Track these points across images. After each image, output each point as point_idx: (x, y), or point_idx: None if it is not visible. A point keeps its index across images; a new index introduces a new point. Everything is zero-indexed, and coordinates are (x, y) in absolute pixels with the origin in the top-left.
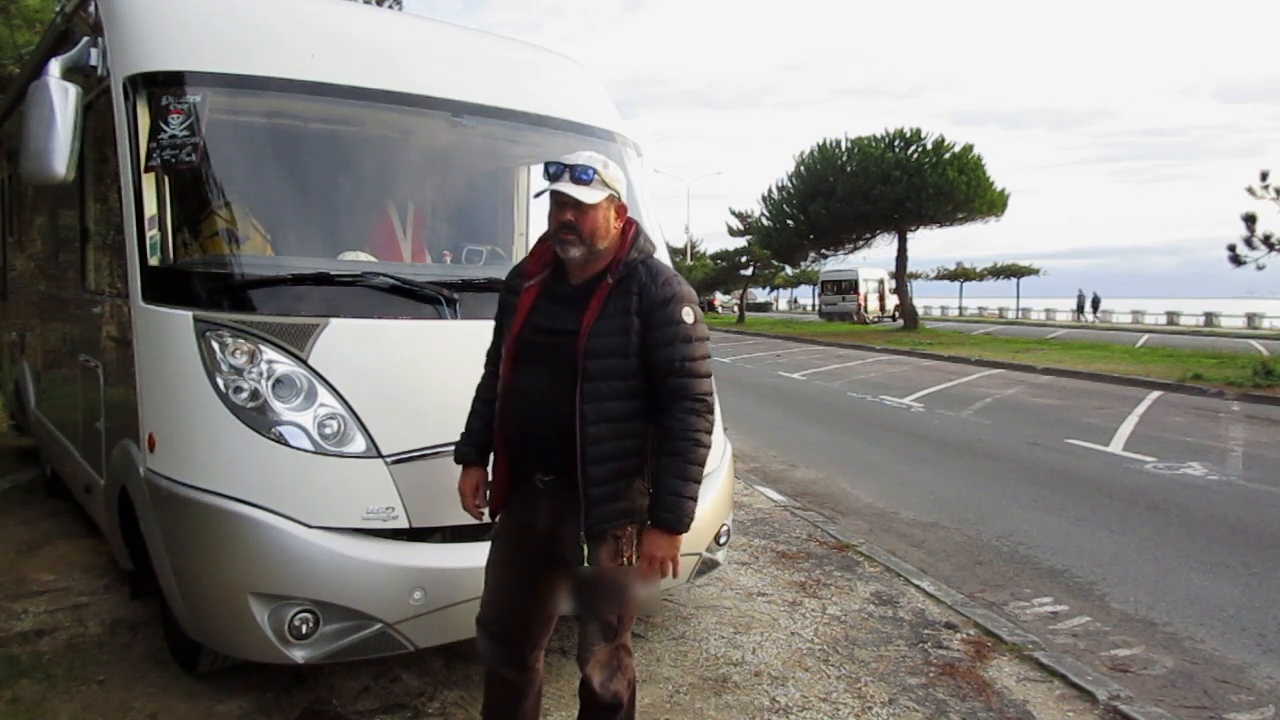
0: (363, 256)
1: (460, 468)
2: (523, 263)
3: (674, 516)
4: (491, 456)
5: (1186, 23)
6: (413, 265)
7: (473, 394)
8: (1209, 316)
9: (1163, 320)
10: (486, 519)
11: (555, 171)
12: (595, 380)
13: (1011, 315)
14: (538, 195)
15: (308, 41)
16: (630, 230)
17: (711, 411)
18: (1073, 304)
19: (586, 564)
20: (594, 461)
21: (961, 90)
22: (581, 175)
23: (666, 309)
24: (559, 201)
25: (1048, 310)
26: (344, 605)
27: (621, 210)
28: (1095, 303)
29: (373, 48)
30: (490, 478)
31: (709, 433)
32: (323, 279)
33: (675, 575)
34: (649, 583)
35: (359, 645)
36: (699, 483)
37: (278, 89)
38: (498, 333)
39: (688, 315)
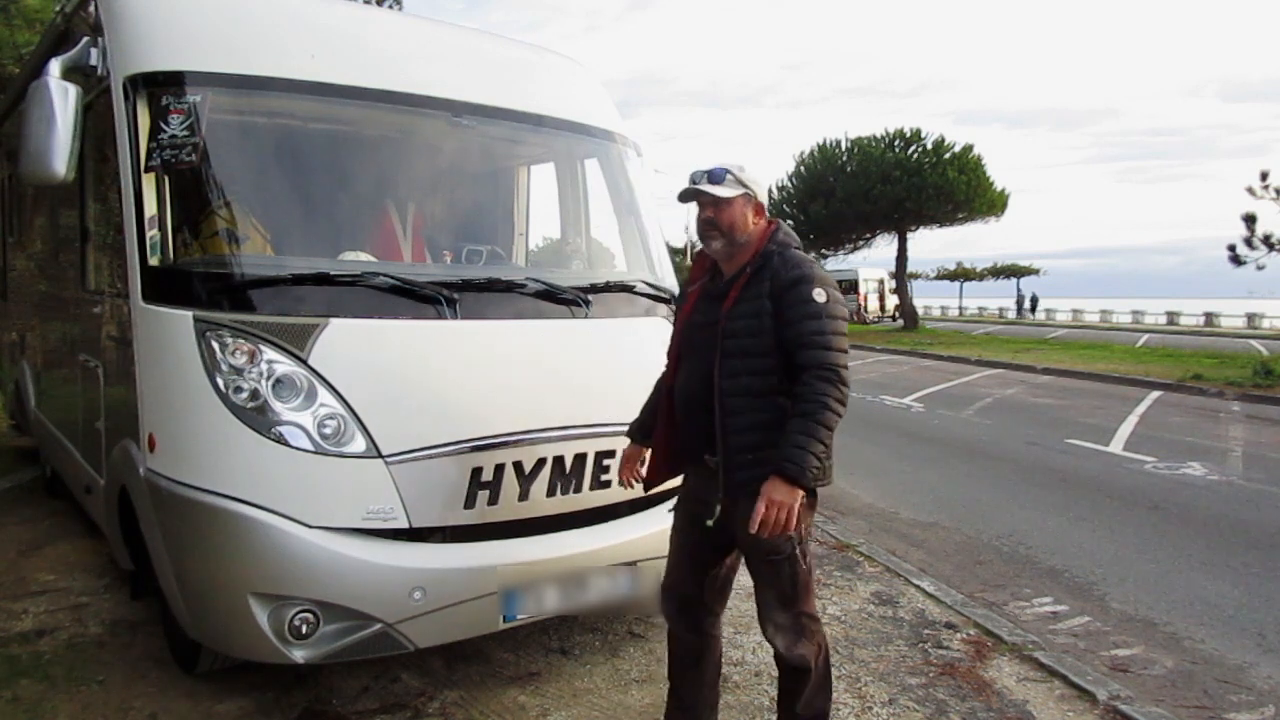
0: (363, 256)
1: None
2: (690, 271)
3: (796, 467)
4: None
5: (1191, 23)
6: (413, 265)
7: (477, 393)
8: (1209, 316)
9: (1163, 320)
10: (640, 490)
11: (693, 177)
12: (731, 358)
13: (1011, 315)
14: (680, 200)
15: (308, 41)
16: (770, 227)
17: (844, 382)
18: (1013, 303)
19: (710, 523)
20: (733, 432)
21: (964, 90)
22: (715, 175)
23: (796, 289)
24: (699, 202)
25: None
26: (344, 605)
27: (759, 209)
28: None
29: (373, 48)
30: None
31: (840, 400)
32: (323, 279)
33: (789, 529)
34: (768, 527)
35: (359, 645)
36: (825, 444)
37: (278, 89)
38: (673, 336)
39: (819, 295)
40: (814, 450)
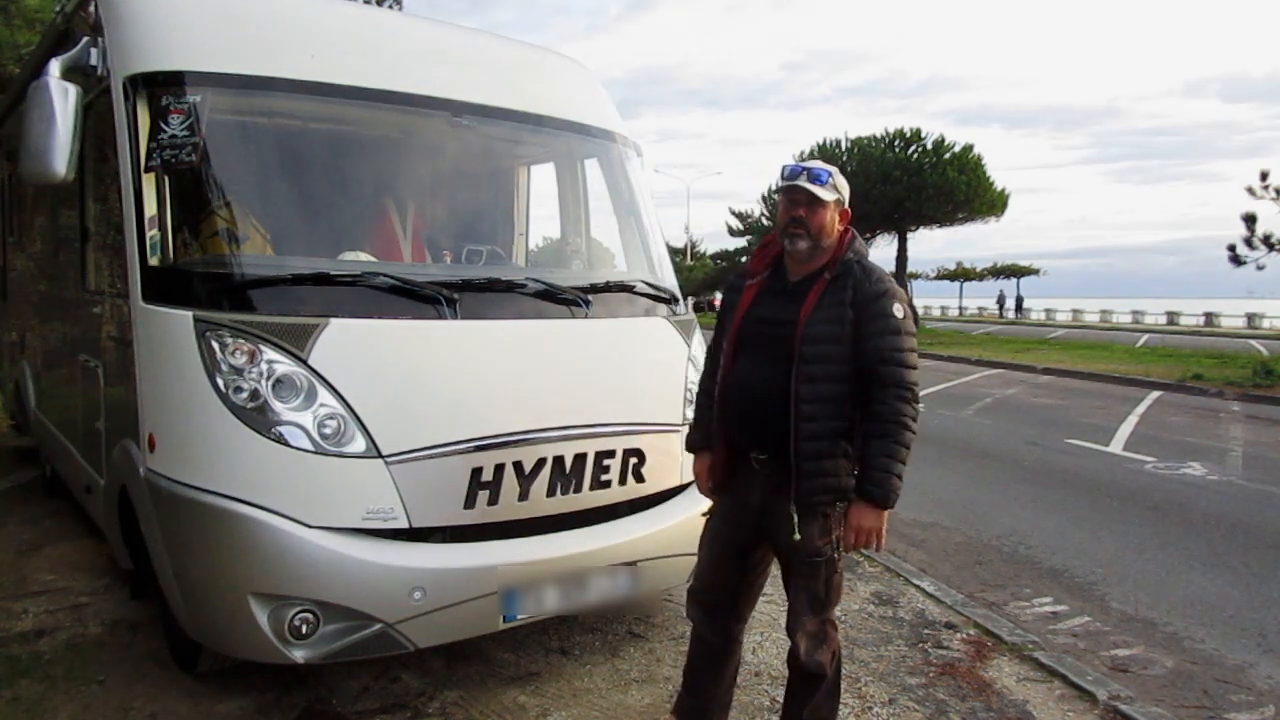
0: (363, 256)
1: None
2: (745, 264)
3: (881, 491)
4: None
5: (1192, 22)
6: (413, 265)
7: (477, 393)
8: (1209, 316)
9: (1163, 320)
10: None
11: (793, 171)
12: (810, 364)
13: (1011, 315)
14: (775, 192)
15: (308, 41)
16: (848, 235)
17: (918, 400)
18: (1011, 302)
19: (796, 536)
20: (806, 438)
21: (965, 89)
22: (817, 176)
23: (879, 303)
24: (793, 199)
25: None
26: (344, 605)
27: (845, 215)
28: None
29: (373, 48)
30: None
31: (915, 419)
32: (323, 279)
33: (879, 549)
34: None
35: (359, 645)
36: (905, 464)
37: (278, 89)
38: (718, 330)
39: (898, 311)
40: (896, 472)
